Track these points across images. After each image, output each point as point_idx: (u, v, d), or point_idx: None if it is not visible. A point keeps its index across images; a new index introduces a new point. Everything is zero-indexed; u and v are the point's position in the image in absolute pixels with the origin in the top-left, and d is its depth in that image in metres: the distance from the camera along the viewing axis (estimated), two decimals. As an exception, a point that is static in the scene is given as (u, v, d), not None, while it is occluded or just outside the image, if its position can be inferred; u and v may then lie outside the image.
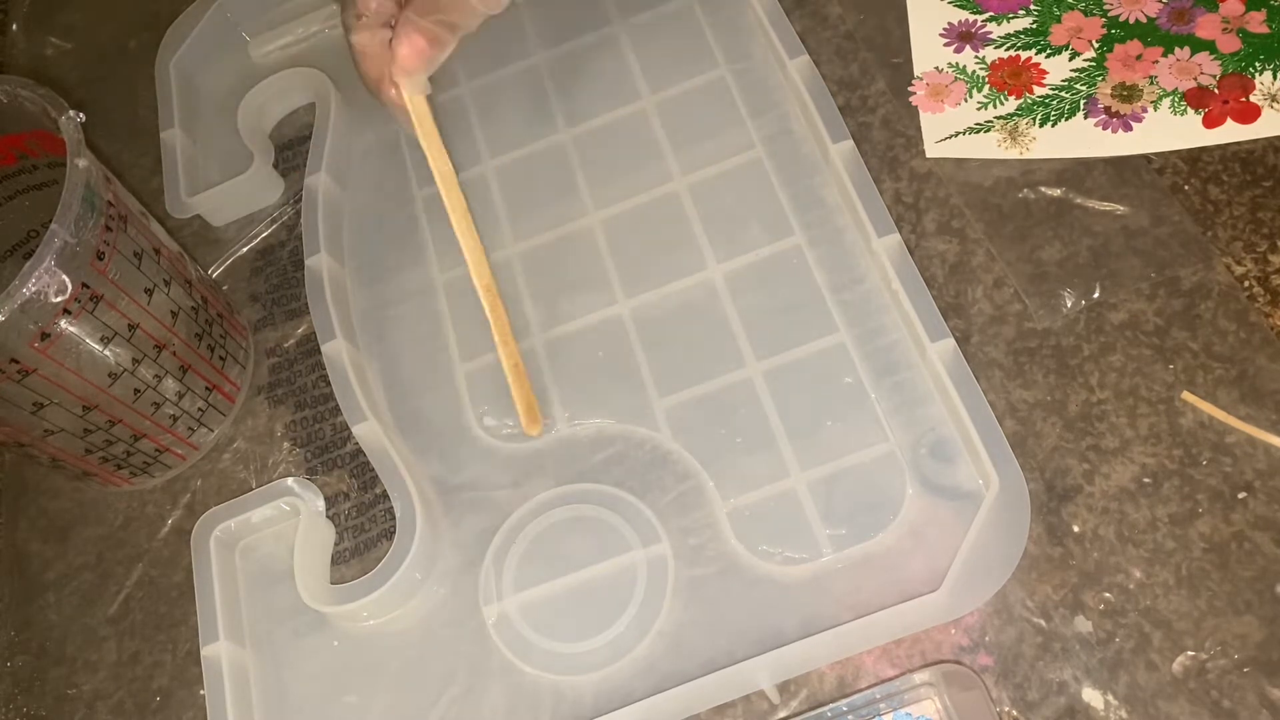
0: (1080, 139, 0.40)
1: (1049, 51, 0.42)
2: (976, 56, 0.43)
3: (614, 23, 0.48)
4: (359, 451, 0.41)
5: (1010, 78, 0.41)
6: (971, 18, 0.44)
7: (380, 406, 0.42)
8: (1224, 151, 0.39)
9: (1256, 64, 0.40)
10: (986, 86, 0.42)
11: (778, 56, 0.44)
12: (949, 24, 0.44)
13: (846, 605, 0.35)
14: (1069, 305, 0.38)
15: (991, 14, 0.44)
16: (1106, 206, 0.39)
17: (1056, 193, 0.40)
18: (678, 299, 0.41)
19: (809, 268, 0.40)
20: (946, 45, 0.43)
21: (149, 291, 0.39)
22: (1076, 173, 0.40)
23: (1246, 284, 0.37)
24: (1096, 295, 0.38)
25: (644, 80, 0.46)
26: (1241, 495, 0.34)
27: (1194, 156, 0.40)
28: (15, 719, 0.40)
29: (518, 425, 0.40)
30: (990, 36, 0.42)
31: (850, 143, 0.40)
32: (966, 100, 0.42)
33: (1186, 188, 0.39)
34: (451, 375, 0.42)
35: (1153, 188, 0.39)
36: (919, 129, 0.42)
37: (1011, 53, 0.42)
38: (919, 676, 0.33)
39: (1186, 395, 0.36)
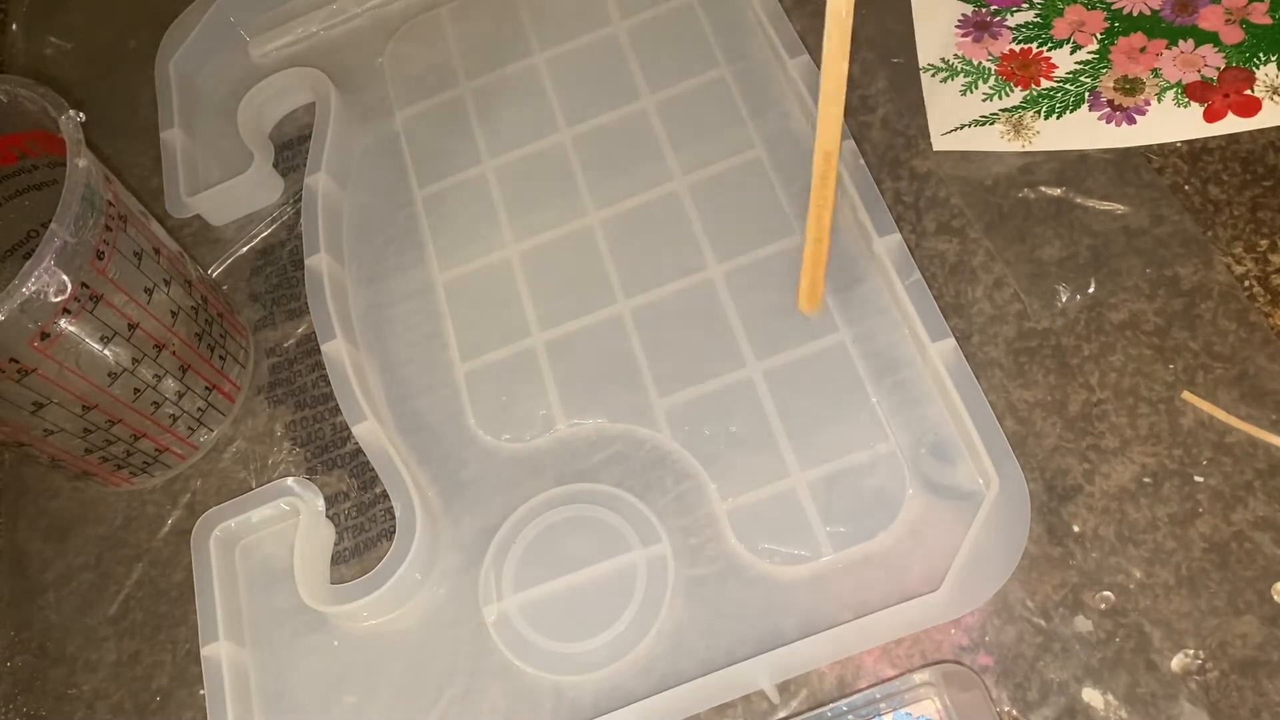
0: (1083, 132, 0.40)
1: (1051, 45, 0.42)
2: (987, 50, 0.43)
3: (614, 23, 0.48)
4: (359, 451, 0.41)
5: (1020, 69, 0.41)
6: (981, 10, 0.44)
7: (380, 406, 0.42)
8: (1224, 151, 0.39)
9: (1259, 55, 0.40)
10: (993, 78, 0.42)
11: (778, 56, 0.44)
12: (964, 15, 0.44)
13: (846, 605, 0.35)
14: (1064, 300, 0.38)
15: (995, 8, 0.44)
16: (1106, 206, 0.39)
17: (1057, 192, 0.40)
18: (678, 299, 0.41)
19: (809, 267, 0.40)
20: (964, 36, 0.43)
21: (149, 291, 0.39)
22: (1077, 172, 0.40)
23: (1246, 284, 0.37)
24: (1091, 290, 0.38)
25: (644, 80, 0.46)
26: (1241, 495, 0.34)
27: (1194, 156, 0.40)
28: (15, 719, 0.40)
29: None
30: (1006, 24, 0.43)
31: (850, 142, 0.40)
32: (972, 92, 0.42)
33: (1187, 187, 0.39)
34: (451, 375, 0.42)
35: (1153, 187, 0.39)
36: (920, 128, 0.42)
37: (1023, 45, 0.42)
38: (919, 676, 0.33)
39: (1187, 395, 0.36)
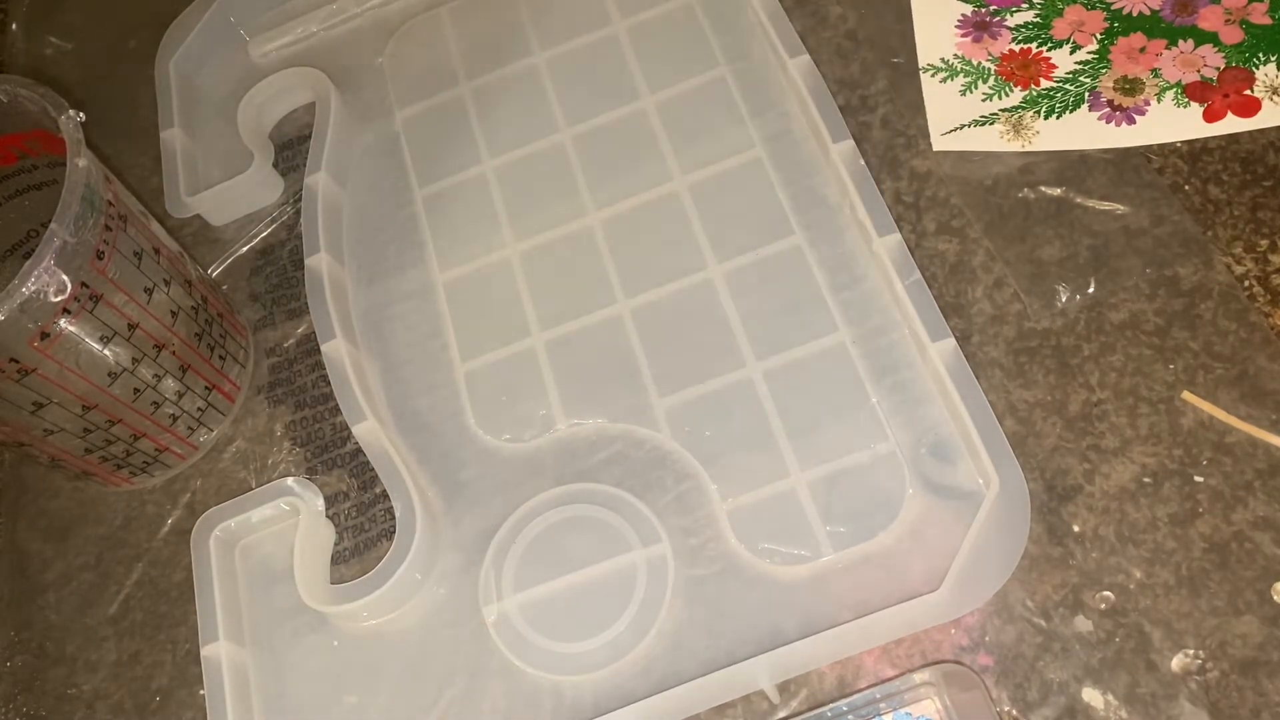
0: (1083, 132, 0.40)
1: (1051, 45, 0.42)
2: (987, 50, 0.43)
3: (614, 23, 0.48)
4: (359, 451, 0.41)
5: (1020, 69, 0.41)
6: (981, 10, 0.44)
7: (380, 406, 0.42)
8: (1224, 151, 0.39)
9: (1259, 55, 0.40)
10: (993, 78, 0.42)
11: (778, 56, 0.44)
12: (963, 15, 0.44)
13: (846, 605, 0.35)
14: (1064, 300, 0.38)
15: (995, 8, 0.44)
16: (1107, 206, 0.39)
17: (1057, 192, 0.40)
18: (678, 299, 0.41)
19: (809, 268, 0.40)
20: (964, 36, 0.43)
21: (149, 291, 0.39)
22: (1077, 172, 0.40)
23: (1246, 284, 0.37)
24: (1091, 290, 0.38)
25: (644, 80, 0.46)
26: (1241, 495, 0.34)
27: (1194, 156, 0.40)
28: (15, 719, 0.40)
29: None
30: (1006, 24, 0.43)
31: (850, 142, 0.40)
32: (972, 92, 0.42)
33: (1187, 187, 0.39)
34: (451, 375, 0.42)
35: (1153, 187, 0.39)
36: (919, 128, 0.42)
37: (1023, 45, 0.42)
38: (919, 676, 0.33)
39: (1187, 395, 0.36)
